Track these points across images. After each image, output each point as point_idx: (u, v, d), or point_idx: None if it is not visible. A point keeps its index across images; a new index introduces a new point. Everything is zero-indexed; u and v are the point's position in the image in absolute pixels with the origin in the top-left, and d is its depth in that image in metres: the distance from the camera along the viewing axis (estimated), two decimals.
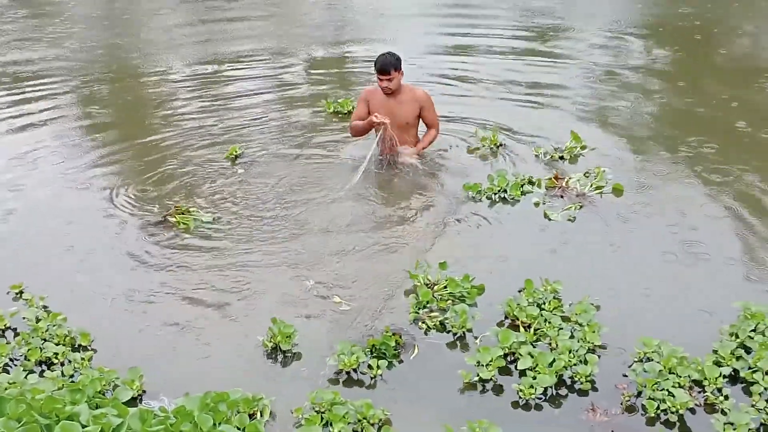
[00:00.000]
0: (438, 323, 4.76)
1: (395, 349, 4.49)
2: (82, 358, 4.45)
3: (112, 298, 5.19)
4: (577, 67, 10.28)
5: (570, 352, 4.33)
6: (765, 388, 4.11)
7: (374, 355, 4.45)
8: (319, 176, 6.97)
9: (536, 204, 6.26)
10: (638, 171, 6.86)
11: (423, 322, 4.76)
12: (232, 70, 10.78)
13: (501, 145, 7.44)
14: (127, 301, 5.15)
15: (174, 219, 6.15)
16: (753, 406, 4.01)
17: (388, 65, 6.70)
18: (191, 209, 6.27)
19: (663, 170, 6.87)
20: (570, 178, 6.54)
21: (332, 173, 7.02)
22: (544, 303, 4.81)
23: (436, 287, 5.00)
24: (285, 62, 11.11)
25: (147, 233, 6.02)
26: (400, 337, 4.57)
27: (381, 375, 4.36)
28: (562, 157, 7.08)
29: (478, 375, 4.25)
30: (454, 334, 4.69)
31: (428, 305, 4.86)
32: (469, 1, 14.68)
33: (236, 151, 7.39)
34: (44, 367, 4.48)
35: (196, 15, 14.69)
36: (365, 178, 6.76)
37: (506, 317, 4.78)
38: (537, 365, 4.24)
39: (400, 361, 4.48)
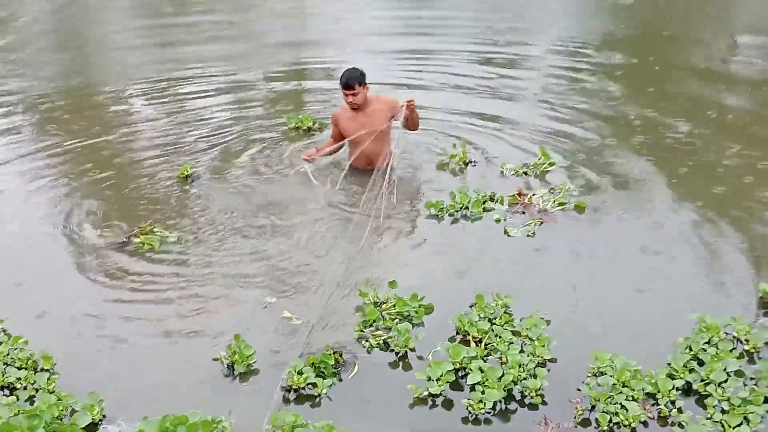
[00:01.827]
0: (381, 342, 4.91)
1: (335, 368, 4.65)
2: (48, 380, 4.54)
3: (74, 321, 5.30)
4: (545, 84, 10.42)
5: (519, 366, 4.47)
6: (719, 400, 4.26)
7: (316, 373, 4.59)
8: (277, 194, 7.13)
9: (497, 221, 6.44)
10: (602, 189, 7.03)
11: (366, 341, 4.91)
12: (186, 85, 10.80)
13: (470, 162, 7.55)
14: (89, 324, 5.27)
15: (138, 239, 6.25)
16: (709, 418, 4.18)
17: (352, 80, 6.96)
18: (155, 229, 6.36)
19: (627, 189, 7.04)
20: (533, 195, 6.69)
21: (289, 190, 7.19)
22: (495, 318, 4.98)
23: (384, 306, 5.16)
24: (242, 77, 11.16)
25: (111, 254, 6.13)
26: (341, 355, 4.74)
27: (326, 393, 4.51)
28: (526, 173, 7.23)
29: (428, 390, 4.41)
30: (397, 353, 4.85)
31: (374, 324, 5.02)
32: (429, 23, 14.67)
33: (187, 171, 7.48)
34: (6, 392, 4.57)
35: (151, 30, 14.54)
36: (327, 193, 7.02)
37: (458, 332, 4.95)
38: (486, 380, 4.37)
39: (340, 380, 4.63)
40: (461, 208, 6.58)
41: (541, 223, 6.35)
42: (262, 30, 14.51)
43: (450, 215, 6.56)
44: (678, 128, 8.46)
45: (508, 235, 6.22)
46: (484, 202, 6.62)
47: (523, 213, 6.50)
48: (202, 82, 10.88)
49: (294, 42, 13.40)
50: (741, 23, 13.92)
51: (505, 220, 6.44)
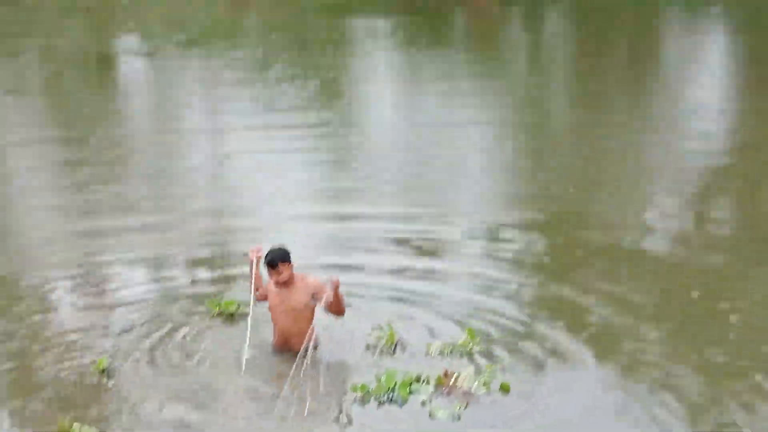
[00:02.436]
0: None
1: None
2: None
3: None
4: (473, 253, 10.48)
5: None
6: None
7: None
8: (197, 384, 6.98)
9: (423, 403, 6.45)
10: (528, 367, 7.08)
11: None
12: (103, 262, 10.24)
13: (397, 343, 7.59)
14: None
15: None
16: None
17: (276, 259, 7.19)
18: (74, 426, 6.19)
19: (554, 367, 7.11)
20: (459, 376, 6.73)
21: (209, 380, 7.07)
22: None
23: None
24: (162, 252, 10.59)
25: None
26: None
27: None
28: (452, 352, 7.28)
29: None
30: None
31: None
32: (353, 186, 14.49)
33: (104, 363, 7.22)
34: None
35: (61, 207, 13.84)
36: (249, 378, 6.97)
37: None
38: None
39: None
40: (387, 390, 6.57)
41: (467, 405, 6.38)
42: (181, 200, 13.96)
43: (376, 398, 6.54)
44: (601, 303, 8.59)
45: (434, 419, 6.23)
46: (410, 384, 6.63)
47: (449, 394, 6.54)
48: (119, 258, 10.33)
49: (214, 210, 12.86)
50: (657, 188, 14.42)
51: (431, 401, 6.45)
